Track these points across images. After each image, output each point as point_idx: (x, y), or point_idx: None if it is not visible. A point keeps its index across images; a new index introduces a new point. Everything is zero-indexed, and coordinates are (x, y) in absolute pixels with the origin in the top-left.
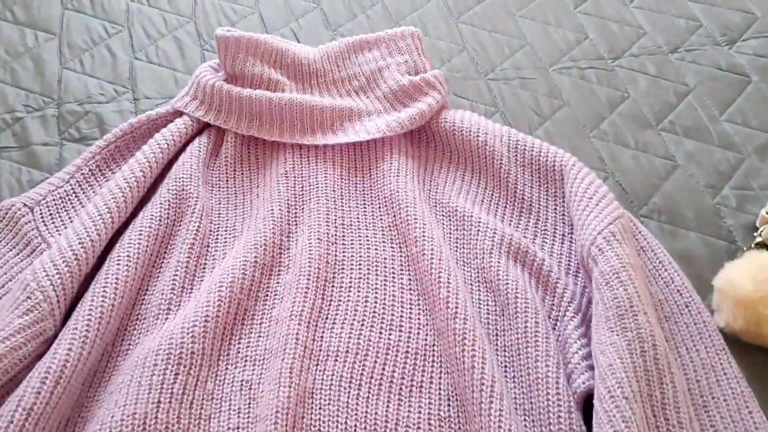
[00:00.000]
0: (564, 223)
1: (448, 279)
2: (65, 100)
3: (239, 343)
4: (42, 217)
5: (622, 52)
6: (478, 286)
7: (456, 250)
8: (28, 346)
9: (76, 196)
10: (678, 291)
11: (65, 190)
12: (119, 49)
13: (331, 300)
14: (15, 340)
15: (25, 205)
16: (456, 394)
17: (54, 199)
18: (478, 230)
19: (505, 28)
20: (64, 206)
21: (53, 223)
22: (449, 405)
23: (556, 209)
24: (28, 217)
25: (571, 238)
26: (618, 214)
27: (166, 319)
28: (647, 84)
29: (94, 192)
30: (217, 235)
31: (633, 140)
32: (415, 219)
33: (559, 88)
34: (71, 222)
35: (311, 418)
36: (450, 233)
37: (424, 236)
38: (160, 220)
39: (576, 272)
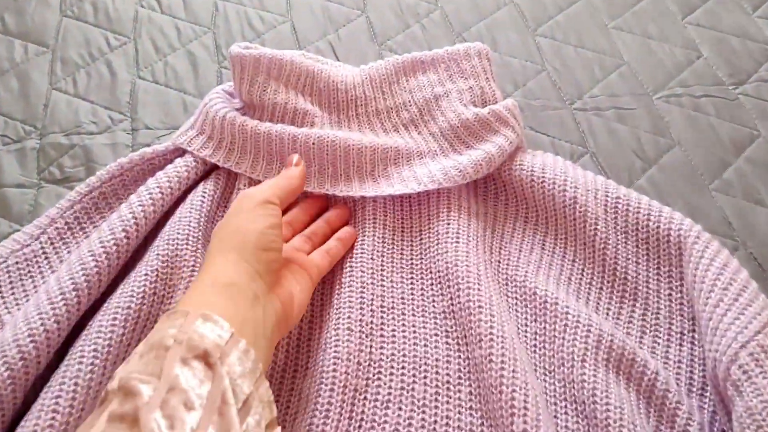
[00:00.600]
0: (683, 316)
1: (525, 401)
2: (50, 130)
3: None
4: (0, 286)
5: (747, 76)
6: (565, 406)
7: (534, 352)
8: None
9: (46, 259)
10: None
11: (32, 250)
12: (121, 65)
13: (361, 422)
14: None
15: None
16: None
17: (17, 262)
18: (566, 325)
19: (595, 43)
20: (29, 271)
21: (13, 294)
22: None
23: (671, 296)
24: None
25: (694, 337)
26: (766, 316)
27: None
28: None
29: (68, 252)
30: None
31: None
32: (480, 307)
33: (666, 122)
34: (35, 293)
35: None
36: (526, 326)
37: (491, 333)
38: (143, 298)
39: (702, 392)
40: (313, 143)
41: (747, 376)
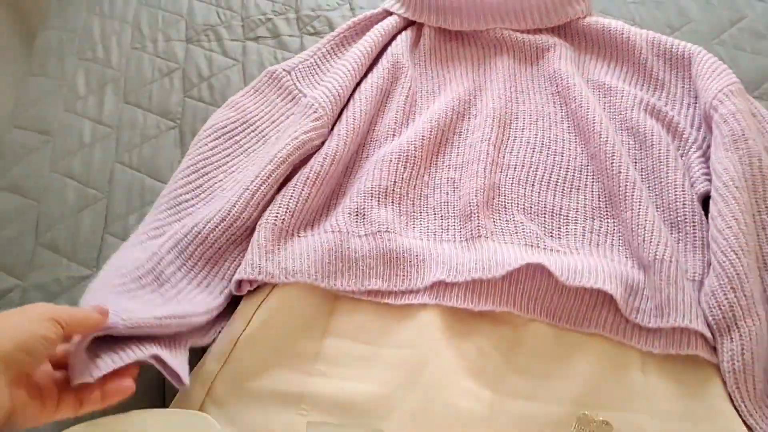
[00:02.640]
0: (690, 95)
1: (601, 121)
2: (302, 8)
3: (444, 157)
4: (297, 78)
5: None
6: (622, 131)
7: (604, 109)
8: (315, 141)
9: (318, 66)
10: None
11: (312, 61)
12: None
13: (510, 135)
14: (309, 135)
15: (284, 69)
16: (606, 193)
17: (304, 67)
18: (622, 95)
19: None
20: (311, 71)
21: (305, 81)
22: (600, 199)
23: (683, 86)
24: (287, 78)
25: (696, 105)
26: (735, 79)
27: (392, 140)
28: None
29: (331, 63)
30: (421, 94)
31: None
32: (574, 85)
33: None
34: (318, 81)
35: (498, 200)
36: (599, 98)
37: (581, 95)
38: (383, 78)
39: (699, 127)
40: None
41: (720, 102)
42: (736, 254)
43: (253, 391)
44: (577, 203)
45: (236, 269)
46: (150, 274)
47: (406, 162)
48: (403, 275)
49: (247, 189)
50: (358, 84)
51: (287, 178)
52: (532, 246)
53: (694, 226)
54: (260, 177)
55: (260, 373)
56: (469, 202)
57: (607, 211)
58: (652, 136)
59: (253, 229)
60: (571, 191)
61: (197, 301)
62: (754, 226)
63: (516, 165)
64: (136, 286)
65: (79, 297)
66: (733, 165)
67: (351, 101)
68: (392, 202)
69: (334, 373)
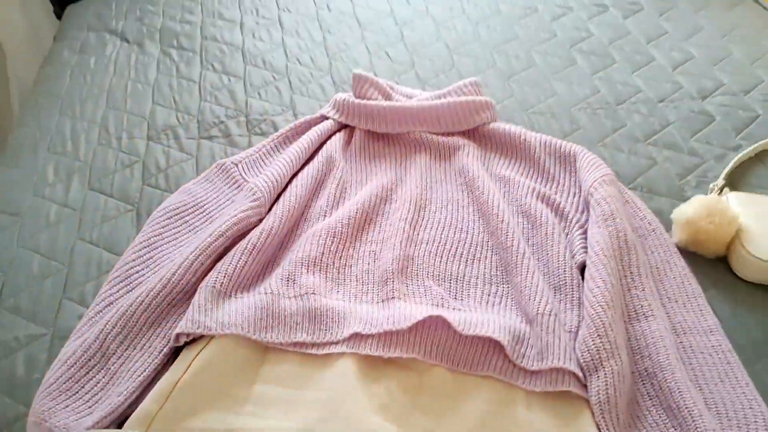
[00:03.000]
0: (575, 185)
1: (499, 205)
2: (251, 113)
3: (368, 234)
4: (243, 169)
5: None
6: (517, 214)
7: (503, 197)
8: (252, 218)
9: (262, 159)
10: (648, 221)
11: (257, 156)
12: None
13: (424, 216)
14: (246, 213)
15: (232, 162)
16: (501, 263)
17: (250, 160)
18: (518, 186)
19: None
20: (256, 163)
21: (250, 171)
22: (497, 269)
23: (570, 179)
24: (234, 169)
25: (580, 194)
26: (609, 171)
27: (323, 220)
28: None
29: (274, 157)
30: (351, 184)
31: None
32: (478, 177)
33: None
34: (261, 171)
35: (411, 269)
36: (500, 188)
37: (484, 185)
38: (317, 170)
39: (582, 211)
40: (389, 108)
41: (596, 189)
42: (602, 308)
43: (187, 430)
44: (478, 271)
45: (175, 329)
46: (97, 354)
47: (333, 237)
48: (325, 329)
49: (187, 258)
50: (295, 174)
51: (228, 249)
52: (437, 305)
53: (572, 288)
54: (199, 248)
55: (195, 413)
56: (386, 270)
57: (502, 278)
58: (542, 217)
59: (192, 293)
60: (473, 261)
61: (137, 367)
62: (620, 287)
63: (428, 240)
64: (83, 373)
65: (35, 353)
66: (603, 238)
67: (288, 187)
68: (319, 270)
69: (262, 413)
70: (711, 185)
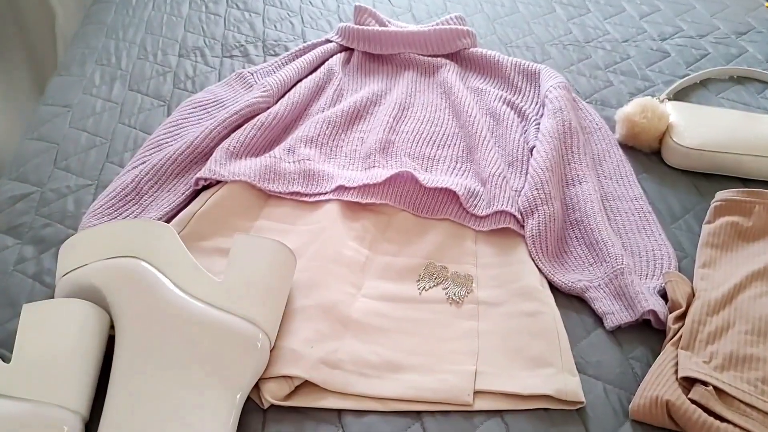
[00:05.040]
0: (538, 97)
1: (471, 106)
2: (267, 39)
3: (358, 126)
4: (257, 76)
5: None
6: (486, 115)
7: (476, 103)
8: (261, 105)
9: (274, 70)
10: (596, 122)
11: (271, 68)
12: None
13: (406, 115)
14: (257, 99)
15: (249, 71)
16: (467, 149)
17: (264, 71)
18: (489, 93)
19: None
20: (269, 72)
21: (264, 79)
22: (463, 152)
23: (534, 91)
24: (251, 77)
25: (542, 104)
26: (563, 80)
27: (324, 112)
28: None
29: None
30: (348, 90)
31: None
32: (455, 86)
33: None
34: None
35: (391, 150)
36: (473, 96)
37: (460, 92)
38: (320, 78)
39: (541, 115)
40: (383, 32)
41: (550, 92)
42: (542, 169)
43: (201, 248)
44: (447, 153)
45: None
46: (132, 192)
47: (329, 124)
48: (317, 184)
49: (207, 128)
50: (301, 80)
51: (241, 126)
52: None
53: (522, 162)
54: (218, 120)
55: (208, 237)
56: (370, 147)
57: (466, 159)
58: (505, 116)
59: (211, 154)
60: (444, 146)
61: (164, 203)
62: (561, 161)
63: (408, 131)
64: (121, 204)
65: (83, 196)
66: (551, 125)
67: (294, 87)
68: (315, 146)
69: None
70: (656, 96)
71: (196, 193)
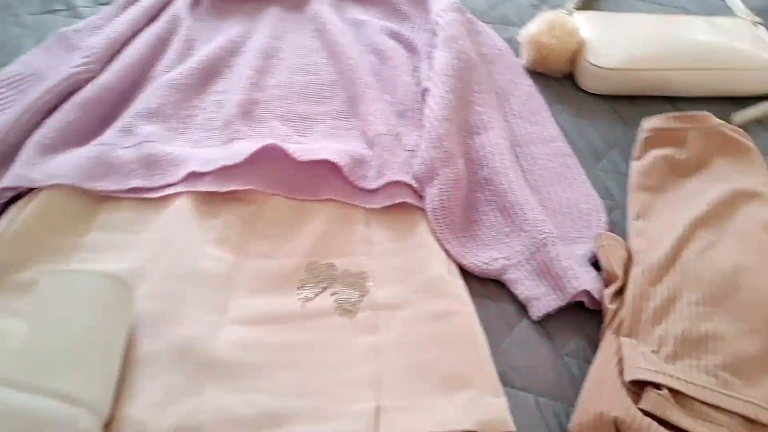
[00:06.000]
0: (428, 23)
1: (349, 45)
2: None
3: (213, 85)
4: (84, 36)
5: None
6: (368, 53)
7: (355, 38)
8: (81, 75)
9: (103, 26)
10: (498, 48)
11: (99, 23)
12: None
13: (273, 64)
14: (76, 69)
15: (73, 29)
16: (349, 100)
17: (92, 27)
18: (370, 26)
19: None
20: (97, 30)
21: (92, 38)
22: (344, 105)
23: (423, 16)
24: (75, 36)
25: (433, 32)
26: (456, 1)
27: (169, 73)
28: None
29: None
30: (199, 41)
31: None
32: (329, 21)
33: None
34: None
35: (257, 112)
36: (352, 30)
37: (334, 29)
38: (161, 29)
39: (431, 45)
40: None
41: (440, 16)
42: (439, 121)
43: (11, 285)
44: (326, 109)
45: None
46: None
47: (175, 88)
48: (162, 173)
49: (11, 116)
50: (136, 34)
51: (57, 106)
52: (281, 141)
53: (414, 112)
54: (25, 105)
55: (20, 268)
56: (229, 113)
57: (349, 113)
58: (391, 52)
59: (18, 148)
60: (321, 100)
61: None
62: (460, 104)
63: (276, 85)
64: None
65: None
66: (445, 59)
67: (128, 46)
68: (160, 121)
69: (95, 258)
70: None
71: (2, 209)
